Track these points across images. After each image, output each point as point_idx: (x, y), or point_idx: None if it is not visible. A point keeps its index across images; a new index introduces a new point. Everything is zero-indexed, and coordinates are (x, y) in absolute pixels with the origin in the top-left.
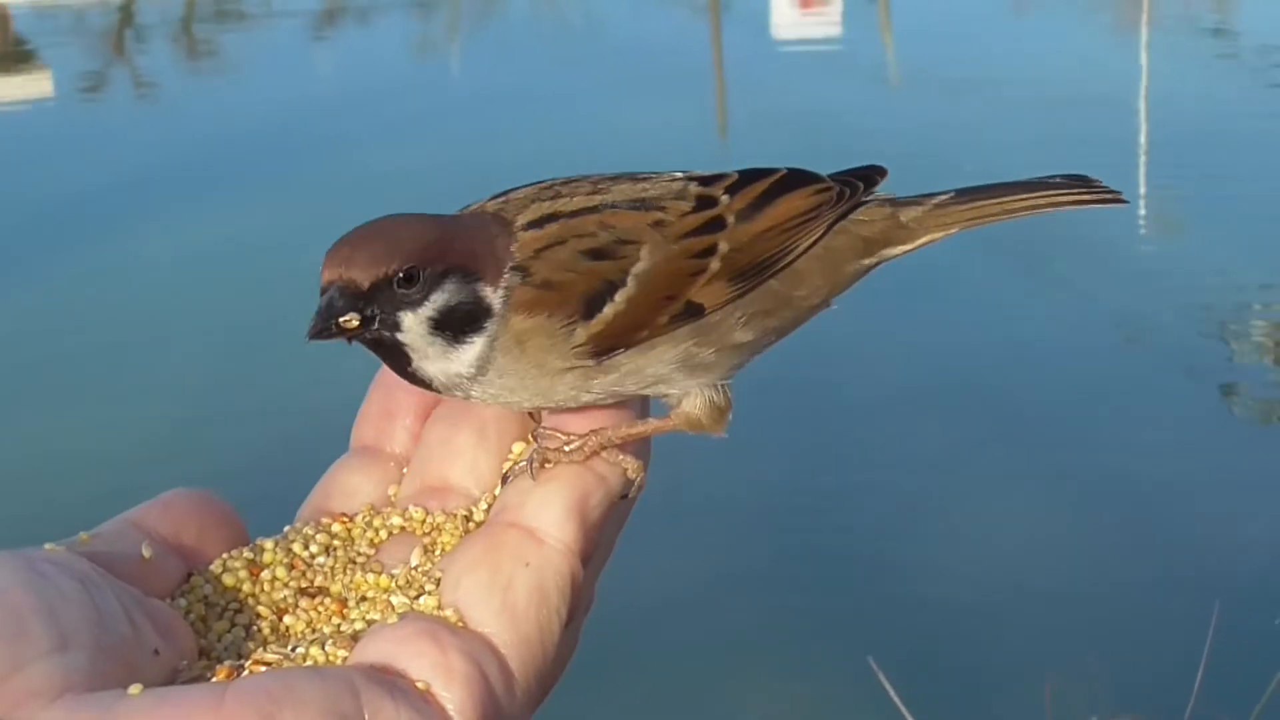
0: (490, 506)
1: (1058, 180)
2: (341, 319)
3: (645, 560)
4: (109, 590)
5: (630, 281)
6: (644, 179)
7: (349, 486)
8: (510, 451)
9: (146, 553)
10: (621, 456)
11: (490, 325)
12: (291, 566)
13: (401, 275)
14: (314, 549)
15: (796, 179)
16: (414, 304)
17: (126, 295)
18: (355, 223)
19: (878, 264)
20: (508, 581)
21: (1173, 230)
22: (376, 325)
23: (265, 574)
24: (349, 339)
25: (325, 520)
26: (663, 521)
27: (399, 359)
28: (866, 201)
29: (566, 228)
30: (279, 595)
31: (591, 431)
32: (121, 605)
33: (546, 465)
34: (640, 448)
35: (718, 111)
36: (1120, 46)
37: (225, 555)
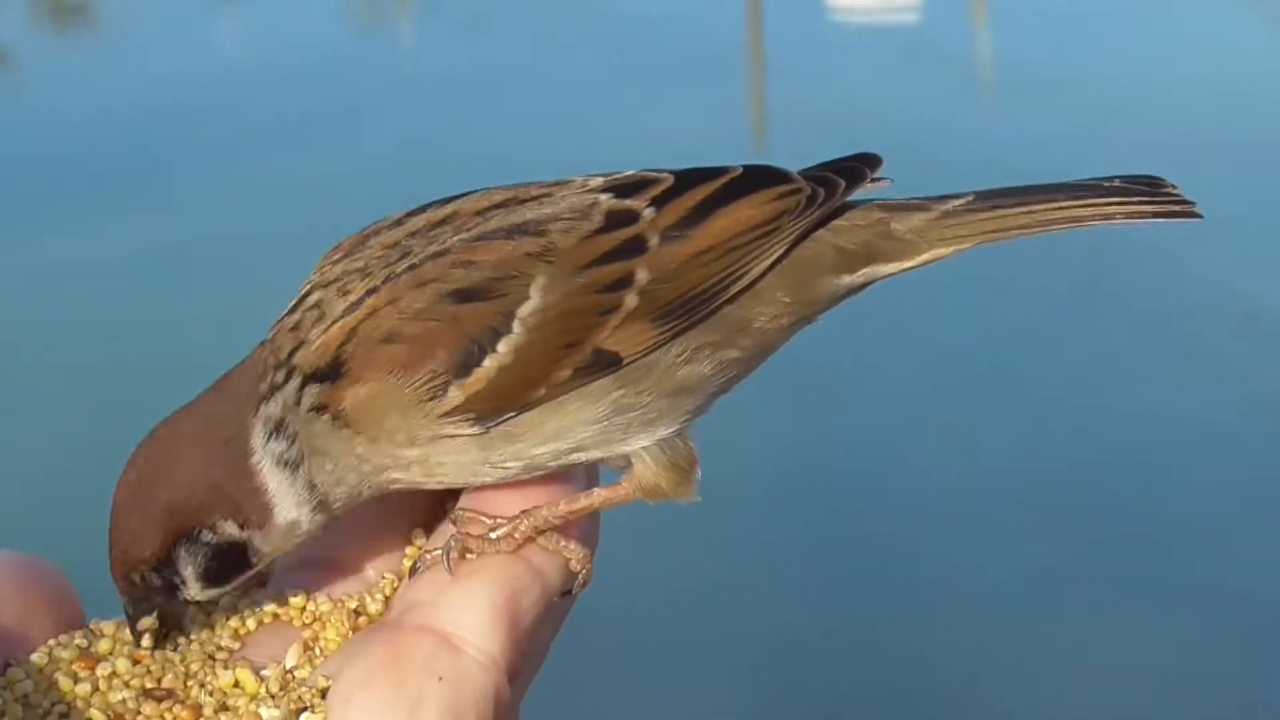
0: (388, 597)
1: (1115, 183)
2: (140, 625)
3: None
4: None
5: (516, 326)
6: (537, 195)
7: None
8: (417, 524)
9: None
10: (563, 542)
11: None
12: (135, 660)
13: (138, 580)
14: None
15: (754, 180)
16: (171, 590)
17: None
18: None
19: (866, 283)
20: (415, 701)
21: None
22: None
23: (102, 668)
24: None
25: None
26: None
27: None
28: (849, 205)
29: (396, 290)
30: (117, 697)
31: (523, 512)
32: None
33: (468, 555)
34: (586, 529)
35: (752, 107)
36: None
37: (54, 641)
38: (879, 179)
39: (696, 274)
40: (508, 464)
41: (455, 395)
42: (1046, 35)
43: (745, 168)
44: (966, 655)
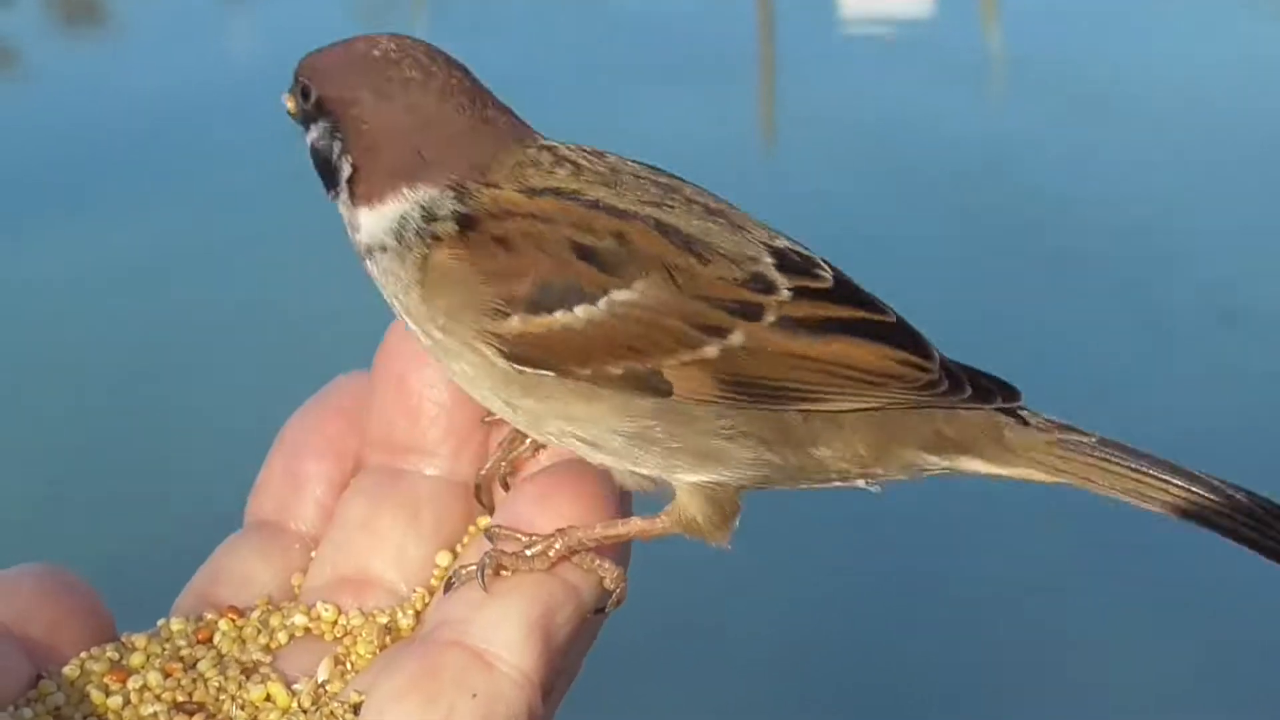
0: (419, 612)
1: (1238, 496)
2: (286, 94)
3: None
4: None
5: (603, 303)
6: (724, 214)
7: (242, 572)
8: (448, 539)
9: None
10: (597, 561)
11: (348, 191)
12: (166, 673)
13: (298, 85)
14: (195, 651)
15: (897, 334)
16: (306, 122)
17: None
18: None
19: (945, 471)
20: (447, 716)
21: None
22: (307, 125)
23: (133, 681)
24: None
25: (210, 615)
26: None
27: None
28: (963, 407)
29: (565, 209)
30: (148, 710)
31: (558, 531)
32: None
33: (502, 572)
34: (620, 548)
35: (762, 108)
36: None
37: (85, 654)
38: (1005, 408)
39: (780, 368)
40: (528, 411)
41: (514, 325)
42: (1059, 38)
43: (899, 319)
44: (978, 655)
